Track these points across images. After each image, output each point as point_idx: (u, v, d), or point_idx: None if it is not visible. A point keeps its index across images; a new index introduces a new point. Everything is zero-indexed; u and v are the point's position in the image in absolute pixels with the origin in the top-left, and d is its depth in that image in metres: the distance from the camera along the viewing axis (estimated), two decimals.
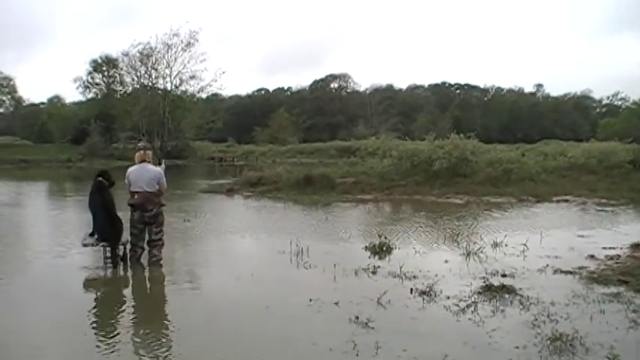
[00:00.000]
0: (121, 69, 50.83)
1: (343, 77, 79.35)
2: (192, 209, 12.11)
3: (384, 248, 7.21)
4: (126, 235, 6.55)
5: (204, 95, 52.30)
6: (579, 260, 6.59)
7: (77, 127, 48.80)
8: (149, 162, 6.45)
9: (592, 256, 6.81)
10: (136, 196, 6.31)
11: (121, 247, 6.57)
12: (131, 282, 6.12)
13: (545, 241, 7.75)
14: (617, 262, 6.47)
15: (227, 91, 73.84)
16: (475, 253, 6.93)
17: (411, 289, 5.25)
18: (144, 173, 6.32)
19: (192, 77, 48.31)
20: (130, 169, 6.40)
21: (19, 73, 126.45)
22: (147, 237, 6.47)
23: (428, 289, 5.20)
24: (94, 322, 4.55)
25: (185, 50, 47.33)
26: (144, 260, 6.48)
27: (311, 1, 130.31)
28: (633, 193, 13.78)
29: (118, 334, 4.21)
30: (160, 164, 6.89)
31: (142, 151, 6.44)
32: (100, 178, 6.66)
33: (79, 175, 28.07)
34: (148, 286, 6.10)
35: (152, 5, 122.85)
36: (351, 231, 9.28)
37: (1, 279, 5.92)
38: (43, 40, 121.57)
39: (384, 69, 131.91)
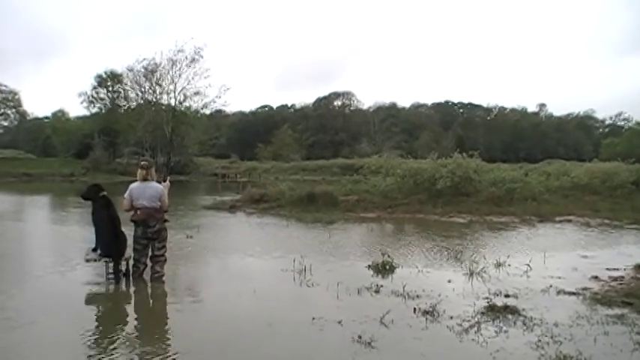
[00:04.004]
0: (126, 84, 51.34)
1: (347, 95, 79.96)
2: (195, 225, 12.10)
3: (387, 267, 7.20)
4: (129, 251, 6.57)
5: (208, 111, 52.61)
6: (583, 281, 6.56)
7: (81, 142, 49.20)
8: (152, 179, 6.48)
9: (596, 277, 6.78)
10: (138, 212, 6.33)
11: (124, 263, 6.57)
12: (133, 298, 6.10)
13: (548, 262, 7.73)
14: (620, 283, 6.44)
15: (231, 108, 74.37)
16: (478, 273, 6.91)
17: (414, 309, 5.24)
18: (146, 189, 6.35)
19: (197, 93, 48.71)
20: (132, 185, 6.42)
21: (24, 87, 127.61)
22: (150, 253, 6.49)
23: (431, 309, 5.18)
24: (95, 337, 4.53)
25: (189, 66, 47.79)
26: (146, 276, 6.49)
27: (317, 21, 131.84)
28: (636, 213, 13.77)
29: (119, 350, 4.20)
30: (164, 181, 6.90)
31: (144, 170, 6.41)
32: (105, 193, 6.73)
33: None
34: (150, 302, 6.08)
35: (164, 21, 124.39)
36: (354, 249, 9.25)
37: (2, 294, 5.92)
38: (48, 54, 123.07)
39: (388, 87, 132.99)
